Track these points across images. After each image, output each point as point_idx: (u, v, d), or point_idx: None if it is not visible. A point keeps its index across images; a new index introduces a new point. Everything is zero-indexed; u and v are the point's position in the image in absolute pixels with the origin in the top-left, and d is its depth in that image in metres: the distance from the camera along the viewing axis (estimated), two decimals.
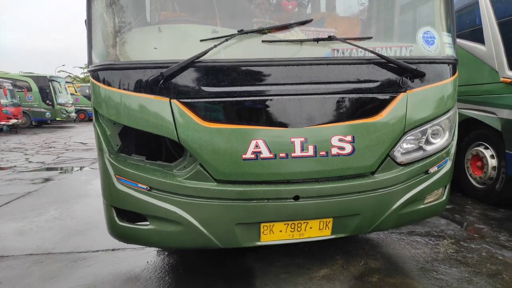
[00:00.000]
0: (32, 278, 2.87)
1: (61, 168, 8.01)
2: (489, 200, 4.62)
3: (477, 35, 4.57)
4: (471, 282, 2.69)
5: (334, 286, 2.68)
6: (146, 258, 3.22)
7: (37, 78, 22.43)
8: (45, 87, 22.36)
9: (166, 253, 3.30)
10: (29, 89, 21.96)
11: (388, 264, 3.01)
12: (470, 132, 4.89)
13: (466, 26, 4.84)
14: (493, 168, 4.52)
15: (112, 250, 3.37)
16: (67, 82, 25.26)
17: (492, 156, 4.54)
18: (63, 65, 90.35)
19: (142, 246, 3.33)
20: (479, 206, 4.59)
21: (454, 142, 2.64)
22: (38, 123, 22.95)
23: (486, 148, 4.63)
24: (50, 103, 22.22)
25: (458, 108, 4.84)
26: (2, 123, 18.29)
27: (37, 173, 7.44)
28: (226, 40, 2.16)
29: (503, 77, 4.17)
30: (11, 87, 19.50)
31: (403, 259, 3.10)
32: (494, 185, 4.52)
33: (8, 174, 7.30)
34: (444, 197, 2.66)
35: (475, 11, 4.64)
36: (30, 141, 14.22)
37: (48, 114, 22.31)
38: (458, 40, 4.82)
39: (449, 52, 2.51)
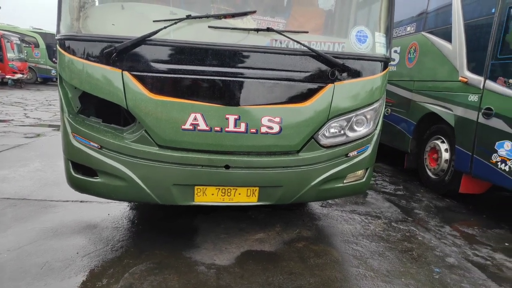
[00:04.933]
0: (5, 218, 3.29)
1: (55, 126, 8.41)
2: (438, 190, 4.97)
3: (447, 34, 4.78)
4: (382, 255, 3.08)
5: (263, 247, 3.08)
6: (109, 211, 3.63)
7: (45, 35, 22.61)
8: (53, 44, 22.51)
9: (127, 208, 3.71)
10: (37, 45, 22.16)
11: (318, 235, 3.39)
12: (432, 125, 5.17)
13: (439, 24, 5.04)
14: (446, 161, 4.83)
15: (80, 201, 3.79)
16: None
17: (446, 150, 4.84)
18: None
19: (108, 200, 3.73)
20: (429, 195, 4.94)
21: (377, 131, 2.95)
22: (44, 80, 23.33)
23: (443, 142, 4.92)
24: (56, 61, 22.46)
25: (424, 102, 5.15)
26: (7, 77, 18.67)
27: (32, 128, 7.86)
28: (175, 23, 2.45)
29: (461, 76, 4.41)
30: (18, 42, 19.75)
31: (333, 232, 3.49)
32: (444, 176, 4.85)
33: (4, 127, 7.73)
34: (364, 179, 3.00)
35: (449, 11, 4.82)
36: (32, 97, 14.64)
37: (53, 72, 22.62)
38: (432, 37, 5.06)
39: (380, 50, 2.78)
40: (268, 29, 2.52)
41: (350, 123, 2.78)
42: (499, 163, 3.79)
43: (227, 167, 2.61)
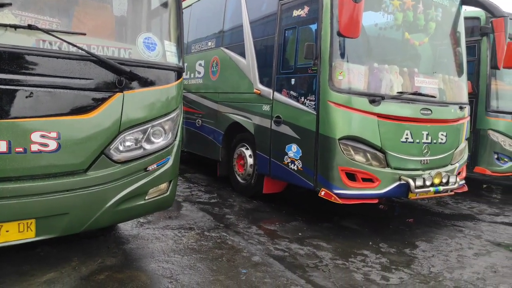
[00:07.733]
0: None
1: None
2: (247, 193, 5.35)
3: (242, 50, 5.24)
4: (193, 267, 3.00)
5: None
6: None
7: None
8: None
9: None
10: None
11: (125, 260, 3.06)
12: (237, 134, 5.56)
13: (235, 41, 5.49)
14: (251, 166, 5.24)
15: None
16: None
17: (250, 156, 5.26)
18: None
19: None
20: (240, 199, 5.26)
21: (177, 142, 2.87)
22: None
23: (247, 148, 5.34)
24: None
25: (228, 113, 5.48)
26: None
27: None
28: None
29: (256, 89, 4.90)
30: None
31: (143, 253, 3.22)
32: (251, 180, 5.26)
33: None
34: (168, 192, 2.87)
35: (241, 28, 5.31)
36: None
37: None
38: (230, 52, 5.44)
39: (172, 60, 2.72)
40: (30, 27, 2.09)
41: (146, 134, 2.60)
42: (289, 164, 4.33)
43: None
